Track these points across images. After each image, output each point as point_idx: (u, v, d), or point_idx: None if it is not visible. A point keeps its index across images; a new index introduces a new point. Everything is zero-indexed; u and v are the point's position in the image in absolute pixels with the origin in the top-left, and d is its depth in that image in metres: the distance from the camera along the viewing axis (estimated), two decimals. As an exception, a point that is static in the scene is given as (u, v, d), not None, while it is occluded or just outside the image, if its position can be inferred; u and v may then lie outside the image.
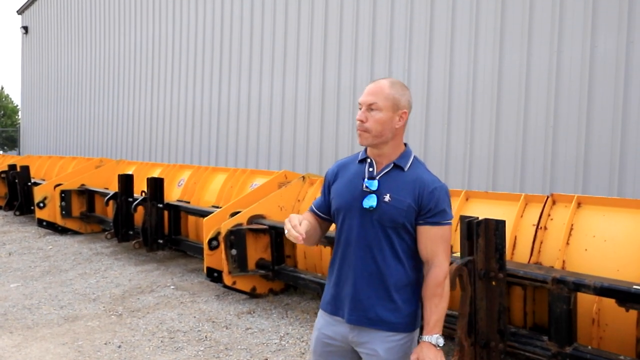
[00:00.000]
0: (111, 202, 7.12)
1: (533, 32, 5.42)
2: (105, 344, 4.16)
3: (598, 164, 4.94)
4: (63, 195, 8.22)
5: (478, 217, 3.03)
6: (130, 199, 6.86)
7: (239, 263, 4.91)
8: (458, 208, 4.02)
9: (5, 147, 38.12)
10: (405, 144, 2.07)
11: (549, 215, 3.56)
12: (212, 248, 5.02)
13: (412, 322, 1.99)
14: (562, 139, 5.18)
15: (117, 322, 4.63)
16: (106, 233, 7.11)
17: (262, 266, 4.99)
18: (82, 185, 8.40)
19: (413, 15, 6.59)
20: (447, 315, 3.49)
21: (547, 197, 3.63)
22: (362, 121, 1.96)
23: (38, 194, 8.32)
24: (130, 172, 7.87)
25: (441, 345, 1.92)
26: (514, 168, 5.54)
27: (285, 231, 1.92)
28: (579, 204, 3.49)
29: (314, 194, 5.19)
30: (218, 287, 5.42)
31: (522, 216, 3.69)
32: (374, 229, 1.97)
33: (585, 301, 3.05)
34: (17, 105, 44.92)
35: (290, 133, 8.41)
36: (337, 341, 2.07)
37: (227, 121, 9.81)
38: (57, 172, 10.66)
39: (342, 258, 2.05)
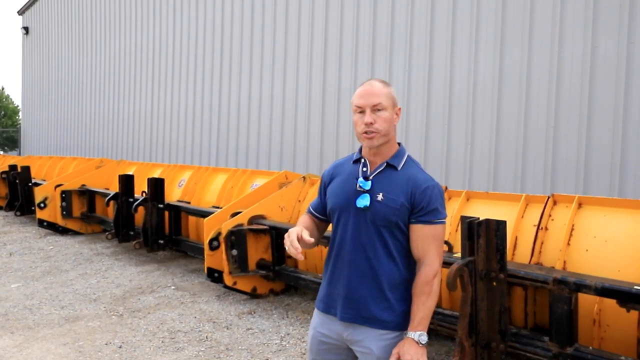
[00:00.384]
0: (112, 202, 7.13)
1: (534, 32, 5.42)
2: (106, 344, 4.16)
3: (599, 164, 4.93)
4: (64, 195, 8.22)
5: (479, 218, 3.03)
6: (131, 200, 6.86)
7: (240, 263, 4.91)
8: (459, 208, 4.02)
9: (6, 148, 38.14)
10: (399, 143, 2.08)
11: (550, 215, 3.56)
12: (212, 248, 5.02)
13: (406, 321, 1.99)
14: (563, 139, 5.18)
15: (118, 323, 4.63)
16: (107, 233, 7.11)
17: (263, 266, 4.99)
18: (83, 185, 8.40)
19: (413, 15, 6.59)
20: (448, 316, 3.51)
21: (548, 198, 3.63)
22: (371, 123, 1.95)
23: (39, 195, 8.33)
24: (130, 173, 7.87)
25: (424, 342, 1.92)
26: (515, 168, 5.54)
27: (286, 247, 1.93)
28: (579, 205, 3.49)
29: (315, 194, 5.17)
30: (219, 287, 5.42)
31: (522, 217, 3.68)
32: (367, 228, 1.98)
33: (586, 302, 3.04)
34: (17, 106, 44.94)
35: (291, 133, 8.41)
36: (332, 339, 2.08)
37: (228, 122, 9.81)
38: (58, 172, 10.67)
39: (336, 257, 2.07)
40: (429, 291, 1.94)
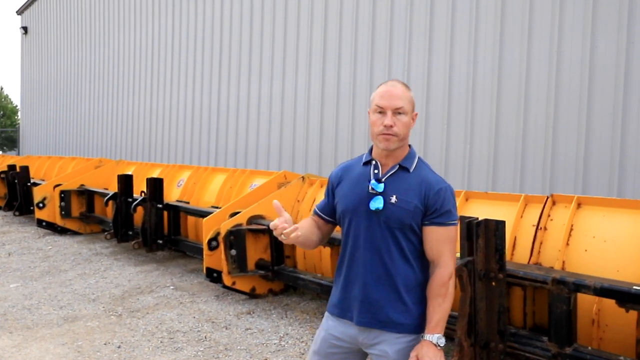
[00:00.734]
0: (111, 202, 7.12)
1: (533, 31, 5.41)
2: (105, 344, 4.15)
3: (598, 164, 4.93)
4: (62, 195, 8.21)
5: (478, 218, 3.03)
6: (130, 199, 6.86)
7: (239, 263, 4.91)
8: (458, 208, 4.01)
9: (5, 148, 38.13)
10: (409, 145, 2.07)
11: (549, 215, 3.56)
12: (211, 248, 5.02)
13: (423, 324, 1.98)
14: (562, 139, 5.18)
15: (117, 323, 4.63)
16: (106, 233, 7.11)
17: (262, 266, 4.99)
18: (82, 185, 8.40)
19: (413, 15, 6.59)
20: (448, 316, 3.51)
21: (547, 198, 3.63)
22: (391, 126, 1.93)
23: (37, 194, 8.32)
24: (129, 173, 7.87)
25: (442, 345, 1.92)
26: (514, 168, 5.53)
27: (279, 236, 1.93)
28: (578, 205, 3.49)
29: (314, 194, 5.18)
30: (217, 287, 5.42)
31: (522, 217, 3.68)
32: (381, 231, 1.97)
33: (585, 302, 3.04)
34: (16, 106, 44.94)
35: (290, 133, 8.40)
36: (345, 342, 2.06)
37: (227, 121, 9.81)
38: (57, 172, 10.66)
39: (349, 260, 2.04)
40: (444, 293, 1.93)
